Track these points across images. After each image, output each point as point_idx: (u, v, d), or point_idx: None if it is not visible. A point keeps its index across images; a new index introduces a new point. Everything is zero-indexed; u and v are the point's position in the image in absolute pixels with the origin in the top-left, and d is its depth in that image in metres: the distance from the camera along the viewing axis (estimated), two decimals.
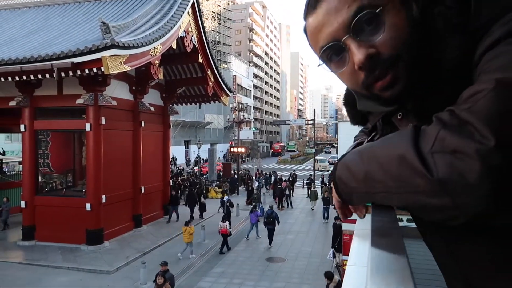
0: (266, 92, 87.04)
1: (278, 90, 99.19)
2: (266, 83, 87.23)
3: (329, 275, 9.11)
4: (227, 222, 14.43)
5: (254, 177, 29.37)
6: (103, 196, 13.67)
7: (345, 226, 10.39)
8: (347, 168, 0.67)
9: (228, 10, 61.04)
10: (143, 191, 16.39)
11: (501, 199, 0.47)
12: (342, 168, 0.69)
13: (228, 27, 59.88)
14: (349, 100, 0.94)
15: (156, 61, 14.36)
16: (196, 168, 34.88)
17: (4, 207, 16.13)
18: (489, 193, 0.47)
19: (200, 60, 17.79)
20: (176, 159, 40.20)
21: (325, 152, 34.62)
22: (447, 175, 0.49)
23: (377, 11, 0.64)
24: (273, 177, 27.89)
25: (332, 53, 0.70)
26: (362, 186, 0.63)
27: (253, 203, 18.29)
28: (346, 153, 0.75)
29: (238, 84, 59.16)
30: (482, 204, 0.48)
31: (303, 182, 28.57)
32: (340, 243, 11.19)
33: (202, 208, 18.80)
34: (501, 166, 0.46)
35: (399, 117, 0.78)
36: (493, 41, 0.54)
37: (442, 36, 0.63)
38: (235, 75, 57.57)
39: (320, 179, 27.38)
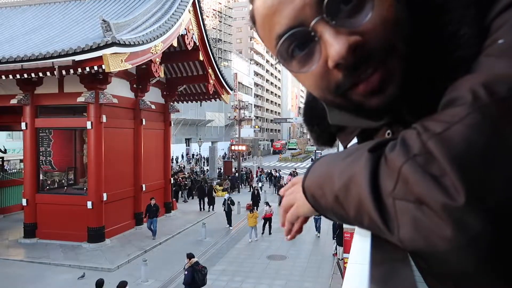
0: (267, 90, 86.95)
1: (279, 88, 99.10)
2: (267, 80, 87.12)
3: (189, 256, 9.56)
4: (272, 207, 15.83)
5: (254, 175, 29.37)
6: (105, 194, 13.68)
7: None
8: (316, 183, 0.54)
9: (229, 8, 60.97)
10: (144, 189, 16.41)
11: (487, 271, 0.36)
12: (311, 180, 0.55)
13: (229, 25, 59.81)
14: (311, 116, 0.72)
15: (157, 59, 14.35)
16: (196, 166, 34.94)
17: None
18: (469, 270, 0.36)
19: (201, 58, 17.77)
20: (177, 157, 40.25)
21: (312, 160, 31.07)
22: (410, 237, 0.39)
23: None
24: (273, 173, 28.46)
25: (295, 45, 0.49)
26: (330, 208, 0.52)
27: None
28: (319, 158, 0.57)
29: (239, 82, 59.09)
30: (459, 278, 0.39)
31: None
32: (340, 235, 11.17)
33: (212, 202, 19.94)
34: (483, 233, 0.34)
35: (387, 135, 0.58)
36: (504, 6, 0.41)
37: (448, 12, 0.46)
38: (236, 73, 57.50)
39: None
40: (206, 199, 20.16)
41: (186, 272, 9.10)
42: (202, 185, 21.43)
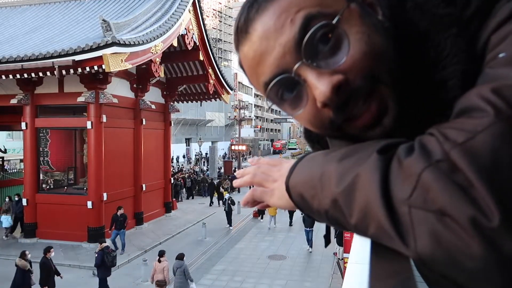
0: None
1: None
2: None
3: (100, 241, 10.57)
4: None
5: None
6: (105, 194, 13.68)
7: None
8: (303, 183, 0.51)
9: (229, 8, 60.98)
10: (144, 189, 16.41)
11: None
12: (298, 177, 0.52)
13: (229, 25, 59.80)
14: (311, 133, 0.70)
15: (157, 59, 14.34)
16: (196, 166, 34.93)
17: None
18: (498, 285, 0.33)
19: (201, 58, 17.76)
20: (178, 156, 40.24)
21: None
22: (429, 251, 0.35)
23: (334, 21, 0.45)
24: None
25: (283, 90, 0.51)
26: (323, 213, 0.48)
27: None
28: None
29: (239, 82, 59.03)
30: None
31: None
32: (340, 235, 11.15)
33: (221, 197, 20.63)
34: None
35: None
36: (500, 21, 0.41)
37: (430, 36, 0.47)
38: (236, 73, 57.43)
39: None
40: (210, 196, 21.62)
41: (96, 255, 10.09)
42: (212, 182, 23.28)
